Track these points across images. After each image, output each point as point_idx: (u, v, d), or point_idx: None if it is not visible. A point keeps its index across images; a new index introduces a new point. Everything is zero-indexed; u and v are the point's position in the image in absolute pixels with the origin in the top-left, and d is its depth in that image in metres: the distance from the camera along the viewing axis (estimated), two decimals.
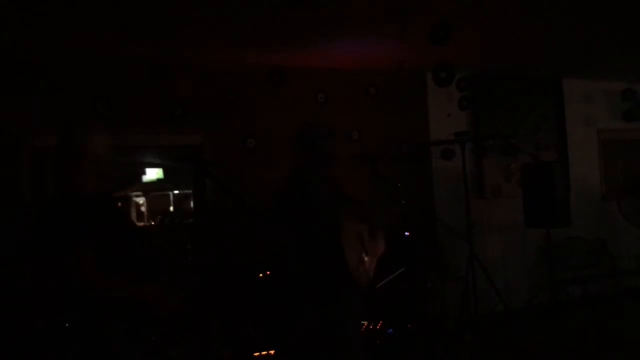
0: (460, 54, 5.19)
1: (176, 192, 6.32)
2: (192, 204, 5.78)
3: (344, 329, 2.98)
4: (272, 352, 4.11)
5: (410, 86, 6.15)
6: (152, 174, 6.33)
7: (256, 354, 4.14)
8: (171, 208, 6.27)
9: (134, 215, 6.03)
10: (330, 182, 3.15)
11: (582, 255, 6.86)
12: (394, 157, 5.79)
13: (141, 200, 6.09)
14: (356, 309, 3.08)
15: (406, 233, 5.05)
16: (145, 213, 6.20)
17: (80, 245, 2.07)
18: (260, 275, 4.36)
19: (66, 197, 2.21)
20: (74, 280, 2.07)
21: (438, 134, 6.15)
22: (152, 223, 5.92)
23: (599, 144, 7.46)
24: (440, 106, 6.16)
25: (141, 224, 5.93)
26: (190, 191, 5.84)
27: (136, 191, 6.06)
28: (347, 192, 3.26)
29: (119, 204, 5.54)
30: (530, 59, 6.05)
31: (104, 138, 2.31)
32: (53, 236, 2.12)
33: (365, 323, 4.54)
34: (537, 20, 4.69)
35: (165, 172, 6.31)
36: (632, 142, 7.78)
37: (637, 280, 6.86)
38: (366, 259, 3.03)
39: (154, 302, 2.20)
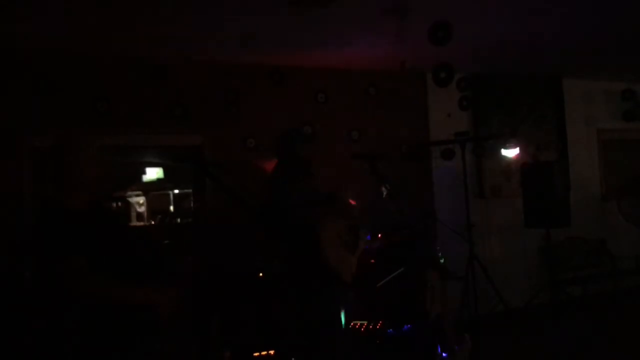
0: (460, 54, 5.19)
1: (176, 191, 6.32)
2: (192, 203, 5.78)
3: (328, 324, 3.00)
4: (272, 352, 4.11)
5: (410, 86, 6.15)
6: (152, 174, 6.33)
7: (256, 354, 4.14)
8: (171, 208, 6.27)
9: (133, 215, 6.02)
10: (306, 183, 3.18)
11: (582, 255, 6.86)
12: (394, 157, 5.80)
13: (141, 200, 6.09)
14: (340, 304, 3.08)
15: (406, 233, 5.05)
16: (145, 213, 6.20)
17: (71, 254, 2.10)
18: (260, 275, 4.36)
19: (54, 213, 2.25)
20: (68, 284, 2.09)
21: (438, 134, 6.16)
22: (152, 223, 5.91)
23: (599, 144, 7.46)
24: (440, 106, 6.16)
25: (141, 223, 5.93)
26: (190, 191, 5.84)
27: (136, 191, 6.06)
28: (330, 191, 3.31)
29: (119, 204, 5.55)
30: (530, 59, 6.05)
31: (93, 149, 2.34)
32: (46, 248, 2.17)
33: (365, 323, 4.53)
34: (537, 20, 4.69)
35: (165, 172, 6.31)
36: (632, 142, 7.78)
37: (637, 280, 6.86)
38: (347, 255, 3.05)
39: (153, 303, 2.20)
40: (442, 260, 4.34)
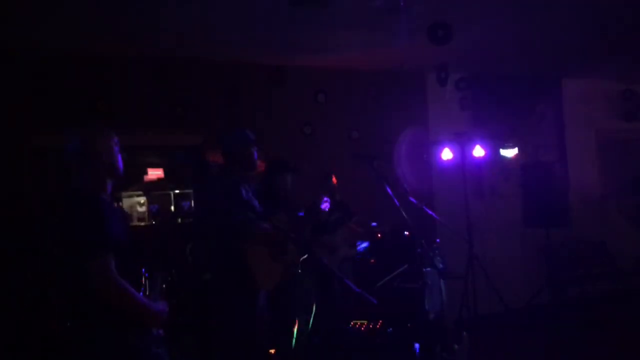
0: (460, 54, 5.19)
1: (177, 191, 6.33)
2: (192, 203, 5.78)
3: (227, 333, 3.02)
4: (272, 350, 4.11)
5: (410, 86, 6.15)
6: (152, 174, 6.34)
7: None
8: (172, 208, 6.27)
9: (134, 215, 6.03)
10: (236, 185, 3.17)
11: (582, 255, 6.86)
12: (394, 157, 5.80)
13: (142, 200, 6.09)
14: (246, 313, 3.06)
15: (406, 233, 5.05)
16: (146, 213, 6.20)
17: (105, 252, 2.02)
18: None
19: (86, 199, 2.13)
20: (97, 287, 2.01)
21: (438, 134, 6.16)
22: (153, 222, 5.91)
23: (598, 144, 7.46)
24: (440, 106, 6.17)
25: (142, 223, 5.93)
26: (191, 191, 5.84)
27: (136, 191, 6.06)
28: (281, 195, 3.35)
29: (119, 203, 5.55)
30: (530, 59, 6.05)
31: (111, 140, 2.28)
32: (76, 241, 2.06)
33: (365, 322, 4.54)
34: (537, 20, 4.69)
35: (165, 172, 6.32)
36: (632, 142, 7.78)
37: (637, 281, 6.86)
38: (269, 262, 3.05)
39: (149, 315, 2.15)
40: (439, 259, 4.34)
